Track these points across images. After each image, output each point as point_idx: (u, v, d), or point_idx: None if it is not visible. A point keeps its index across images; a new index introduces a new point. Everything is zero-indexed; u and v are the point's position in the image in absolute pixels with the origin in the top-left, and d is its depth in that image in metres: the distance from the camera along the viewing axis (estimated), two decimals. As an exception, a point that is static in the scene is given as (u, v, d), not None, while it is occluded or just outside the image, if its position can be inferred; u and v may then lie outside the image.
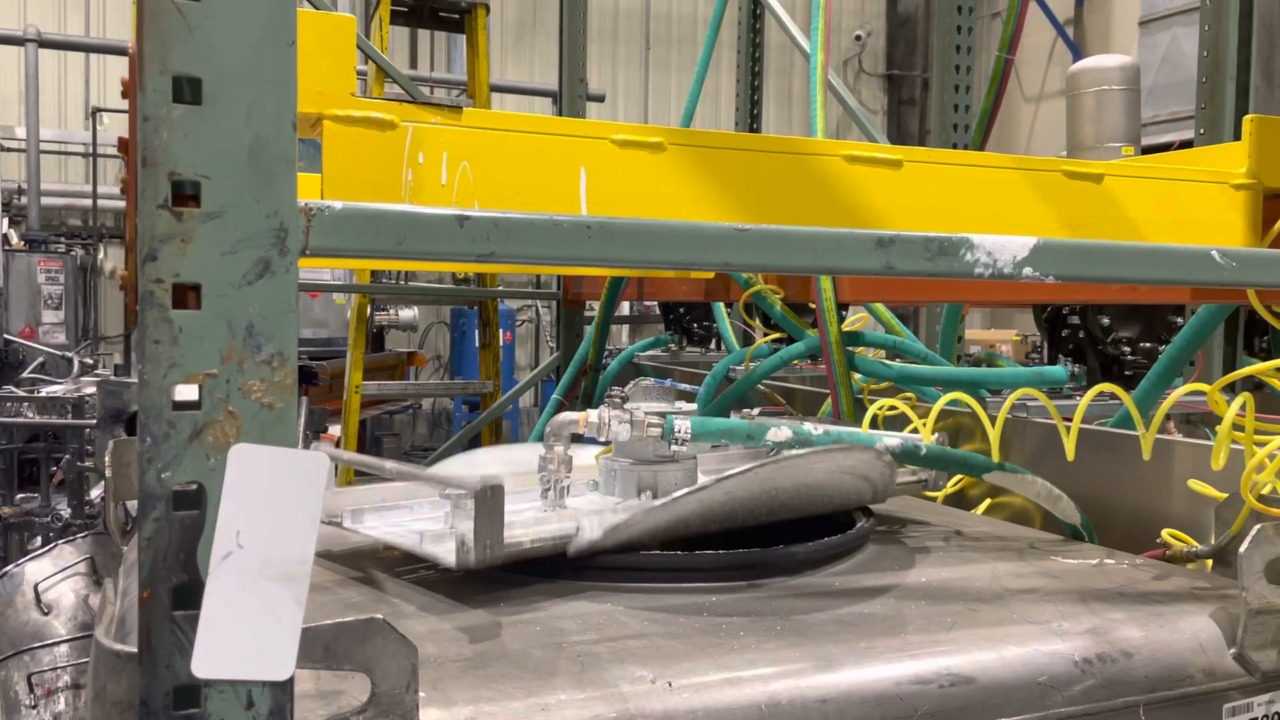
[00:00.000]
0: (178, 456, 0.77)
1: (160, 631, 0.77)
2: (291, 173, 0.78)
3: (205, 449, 0.78)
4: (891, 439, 1.72)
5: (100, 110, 12.93)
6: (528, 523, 1.39)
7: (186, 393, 0.78)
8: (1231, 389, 1.95)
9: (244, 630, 0.79)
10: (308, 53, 0.88)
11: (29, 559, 3.49)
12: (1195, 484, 1.71)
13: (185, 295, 0.77)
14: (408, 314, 12.14)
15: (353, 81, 1.20)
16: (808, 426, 1.65)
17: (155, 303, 0.75)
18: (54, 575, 3.36)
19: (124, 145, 0.97)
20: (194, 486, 0.78)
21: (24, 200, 12.31)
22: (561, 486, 1.56)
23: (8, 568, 3.53)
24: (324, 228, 0.83)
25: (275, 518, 0.79)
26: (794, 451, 1.66)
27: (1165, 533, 1.72)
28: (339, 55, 1.19)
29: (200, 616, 0.77)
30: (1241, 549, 1.34)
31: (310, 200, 0.82)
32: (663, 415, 1.58)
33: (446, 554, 1.34)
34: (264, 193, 0.78)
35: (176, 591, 0.78)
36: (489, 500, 1.27)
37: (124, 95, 1.07)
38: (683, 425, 1.56)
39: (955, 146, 3.64)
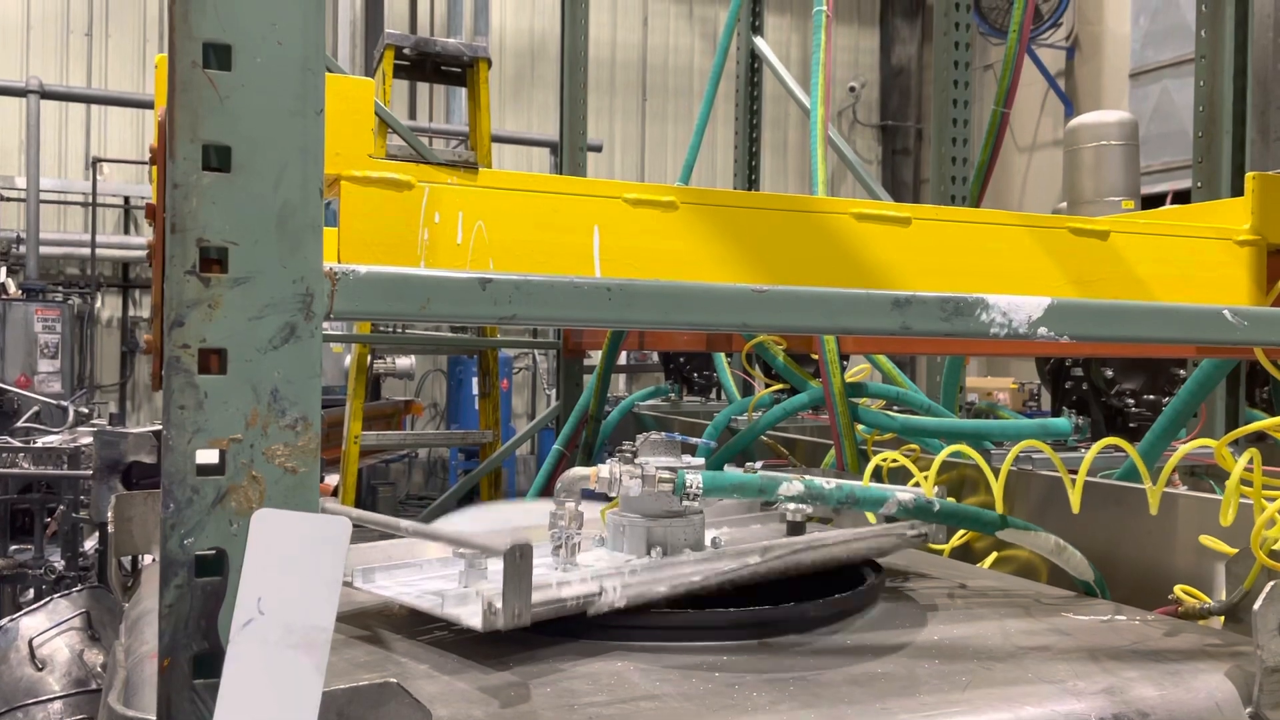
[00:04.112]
0: (200, 522, 0.77)
1: (180, 701, 0.76)
2: (318, 238, 0.79)
3: (228, 514, 0.78)
4: (904, 494, 1.71)
5: (100, 160, 13.02)
6: (547, 583, 1.38)
7: (210, 457, 0.77)
8: (1235, 443, 1.95)
9: (264, 699, 0.78)
10: (327, 116, 0.89)
11: (24, 613, 3.46)
12: (1206, 539, 1.71)
13: (211, 360, 0.77)
14: (405, 362, 12.14)
15: (370, 143, 1.22)
16: (819, 481, 1.65)
17: (181, 368, 0.75)
18: (49, 630, 3.33)
19: (151, 211, 0.98)
20: (215, 552, 0.78)
21: (22, 249, 12.34)
22: (573, 543, 1.55)
23: (1, 622, 3.49)
24: (348, 292, 0.83)
25: (297, 584, 0.78)
26: (826, 534, 1.69)
27: (1177, 588, 1.71)
28: (357, 118, 1.20)
29: (220, 685, 0.76)
30: (1256, 606, 1.33)
31: (335, 265, 0.82)
32: (673, 470, 1.58)
33: (471, 616, 1.33)
34: (291, 258, 0.78)
35: (197, 660, 0.77)
36: (518, 562, 1.26)
37: (152, 162, 1.08)
38: (694, 480, 1.56)
39: (953, 198, 3.67)
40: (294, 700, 0.78)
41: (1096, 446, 1.81)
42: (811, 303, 0.99)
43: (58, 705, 3.17)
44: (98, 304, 13.36)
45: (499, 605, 1.28)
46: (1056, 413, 2.94)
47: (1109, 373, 2.72)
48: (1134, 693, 1.32)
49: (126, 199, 13.63)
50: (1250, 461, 1.60)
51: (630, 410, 4.37)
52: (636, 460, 1.61)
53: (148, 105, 12.37)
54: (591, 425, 3.97)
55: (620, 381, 12.10)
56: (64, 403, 8.72)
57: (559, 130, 5.12)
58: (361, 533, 1.70)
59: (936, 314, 1.04)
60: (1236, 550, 1.62)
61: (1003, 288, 1.27)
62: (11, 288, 11.74)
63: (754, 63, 5.38)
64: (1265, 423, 1.71)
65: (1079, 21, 13.92)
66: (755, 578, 1.55)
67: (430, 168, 1.26)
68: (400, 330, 7.41)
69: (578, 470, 1.60)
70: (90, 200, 12.90)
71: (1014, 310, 1.09)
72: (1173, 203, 8.43)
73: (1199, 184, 3.31)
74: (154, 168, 1.08)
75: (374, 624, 1.55)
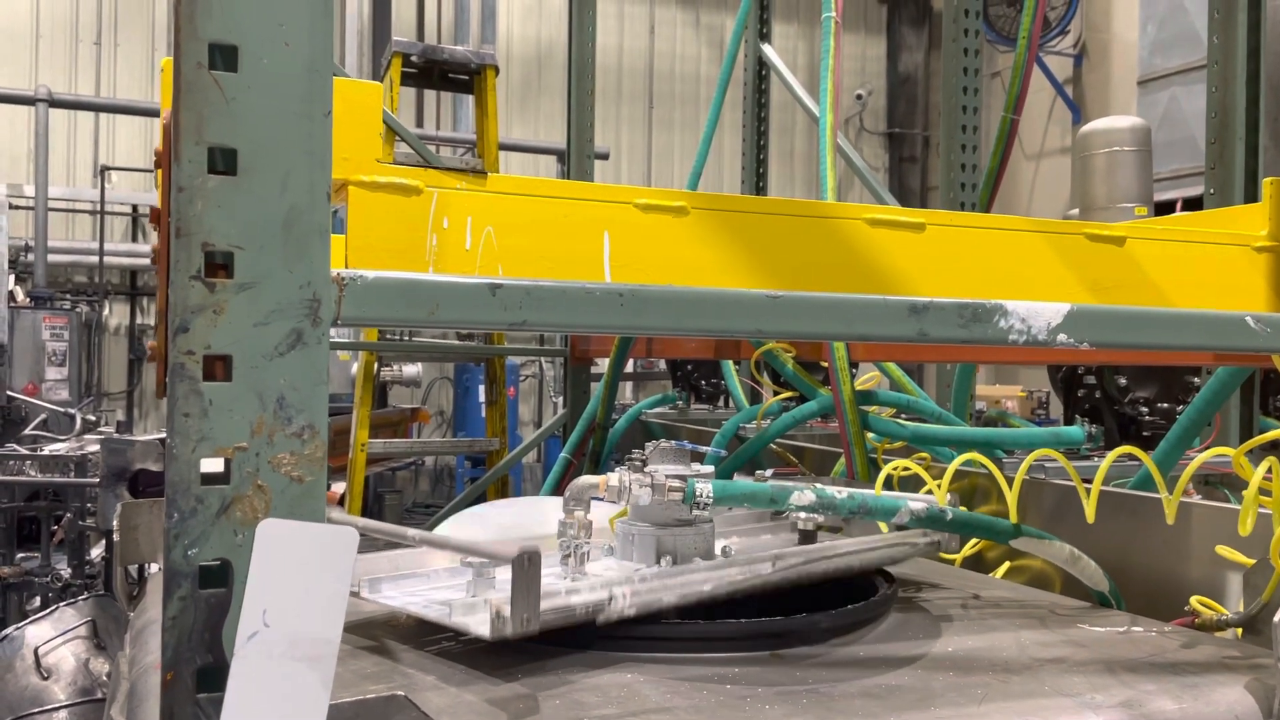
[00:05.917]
0: (205, 533, 0.75)
1: (183, 715, 0.75)
2: (325, 243, 0.77)
3: (233, 524, 0.76)
4: (916, 503, 1.69)
5: (108, 168, 13.05)
6: (555, 591, 1.36)
7: (215, 466, 0.76)
8: (1251, 451, 1.93)
9: (269, 713, 0.76)
10: (335, 120, 0.87)
11: (29, 622, 3.45)
12: (1223, 550, 1.69)
13: (216, 367, 0.76)
14: (411, 369, 12.13)
15: (378, 148, 1.20)
16: (831, 490, 1.63)
17: (186, 375, 0.74)
18: (54, 639, 3.32)
19: (155, 215, 0.97)
20: (220, 563, 0.76)
21: (31, 257, 12.37)
22: (582, 552, 1.53)
23: (8, 630, 3.49)
24: (356, 297, 0.82)
25: (303, 595, 0.77)
26: (838, 543, 1.67)
27: (1193, 599, 1.69)
28: (365, 122, 1.19)
29: (225, 700, 0.75)
30: (1276, 619, 1.31)
31: (343, 270, 0.81)
32: (683, 479, 1.56)
33: (479, 625, 1.31)
34: (297, 263, 0.77)
35: (201, 673, 0.75)
36: (526, 570, 1.24)
37: (157, 165, 1.07)
38: (704, 489, 1.54)
39: (962, 205, 3.65)
40: (300, 714, 0.76)
41: (1112, 455, 1.79)
42: (827, 309, 0.98)
43: (63, 714, 3.16)
44: (105, 312, 13.39)
45: (507, 613, 1.26)
46: (1069, 420, 2.92)
47: (1122, 380, 2.70)
48: (1152, 706, 1.30)
49: (134, 207, 13.66)
50: (1269, 470, 1.58)
51: (637, 418, 4.35)
52: (646, 469, 1.60)
53: (156, 113, 12.40)
54: (599, 433, 3.95)
55: (627, 389, 12.08)
56: (71, 410, 8.74)
57: (566, 138, 5.11)
58: (368, 542, 1.68)
59: (954, 320, 1.02)
60: (1254, 561, 1.59)
61: (1018, 294, 1.25)
62: (19, 295, 11.77)
63: (761, 70, 5.37)
64: (1284, 431, 1.68)
65: (1087, 29, 13.91)
66: (767, 587, 1.53)
67: (438, 173, 1.25)
68: (407, 338, 7.40)
69: (586, 479, 1.59)
70: (98, 208, 12.93)
71: (1033, 316, 1.07)
72: (1183, 210, 8.39)
73: (1211, 191, 3.29)
74: (159, 171, 1.06)
75: (381, 634, 1.53)
